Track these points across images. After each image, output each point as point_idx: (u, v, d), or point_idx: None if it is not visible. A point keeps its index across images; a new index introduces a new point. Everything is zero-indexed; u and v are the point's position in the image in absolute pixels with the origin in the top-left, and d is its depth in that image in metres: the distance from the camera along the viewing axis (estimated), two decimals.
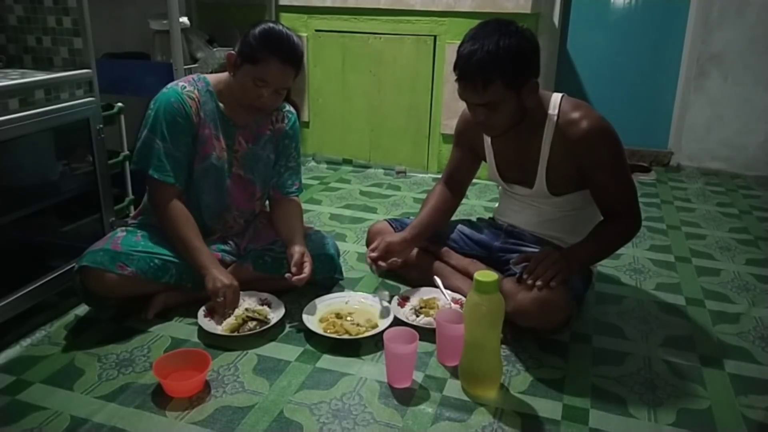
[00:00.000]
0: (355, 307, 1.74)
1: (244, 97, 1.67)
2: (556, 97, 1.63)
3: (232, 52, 1.65)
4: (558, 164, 1.63)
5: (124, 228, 1.76)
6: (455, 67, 1.52)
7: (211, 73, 1.78)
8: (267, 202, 1.97)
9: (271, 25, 1.65)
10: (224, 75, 1.72)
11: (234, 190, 1.81)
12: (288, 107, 1.87)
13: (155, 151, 1.65)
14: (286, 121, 1.85)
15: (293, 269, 1.67)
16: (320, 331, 1.59)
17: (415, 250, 1.89)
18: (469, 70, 1.48)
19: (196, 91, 1.70)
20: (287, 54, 1.62)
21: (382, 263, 1.75)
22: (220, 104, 1.73)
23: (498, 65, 1.46)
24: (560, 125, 1.59)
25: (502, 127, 1.58)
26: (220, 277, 1.62)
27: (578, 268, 1.62)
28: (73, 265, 1.64)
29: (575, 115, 1.58)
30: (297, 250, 1.70)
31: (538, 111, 1.61)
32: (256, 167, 1.82)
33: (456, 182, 1.91)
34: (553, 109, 1.61)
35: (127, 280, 1.63)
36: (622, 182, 1.62)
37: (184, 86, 1.69)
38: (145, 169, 1.67)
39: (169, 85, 1.71)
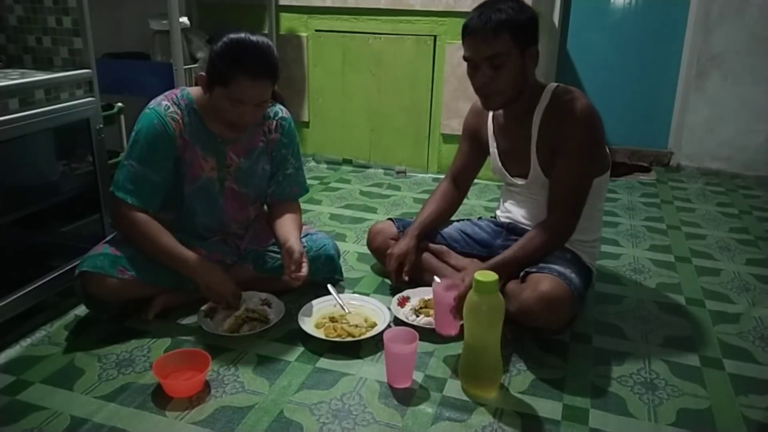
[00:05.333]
0: (349, 310, 1.71)
1: (224, 118, 1.61)
2: (551, 84, 1.68)
3: (203, 73, 1.58)
4: (544, 144, 1.66)
5: None
6: (463, 27, 1.58)
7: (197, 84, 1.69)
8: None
9: (233, 37, 1.54)
10: None
11: (229, 206, 1.77)
12: (281, 113, 1.80)
13: (130, 174, 1.59)
14: (280, 129, 1.79)
15: (291, 267, 1.63)
16: (322, 336, 1.58)
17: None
18: (481, 20, 1.54)
19: (179, 111, 1.63)
20: (256, 68, 1.53)
21: (406, 277, 1.83)
22: (206, 121, 1.66)
23: (508, 18, 1.53)
24: (549, 105, 1.64)
25: (504, 92, 1.60)
26: (219, 288, 1.63)
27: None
28: (73, 265, 1.64)
29: (566, 96, 1.63)
30: (296, 248, 1.65)
31: (533, 94, 1.65)
32: (250, 181, 1.77)
33: (462, 177, 1.96)
34: (546, 92, 1.66)
35: (128, 284, 1.63)
36: (577, 177, 1.60)
37: (168, 106, 1.63)
38: (114, 191, 1.61)
39: (152, 104, 1.64)
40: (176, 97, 1.66)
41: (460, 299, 1.45)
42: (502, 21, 1.53)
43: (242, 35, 1.55)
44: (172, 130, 1.62)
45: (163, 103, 1.64)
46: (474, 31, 1.56)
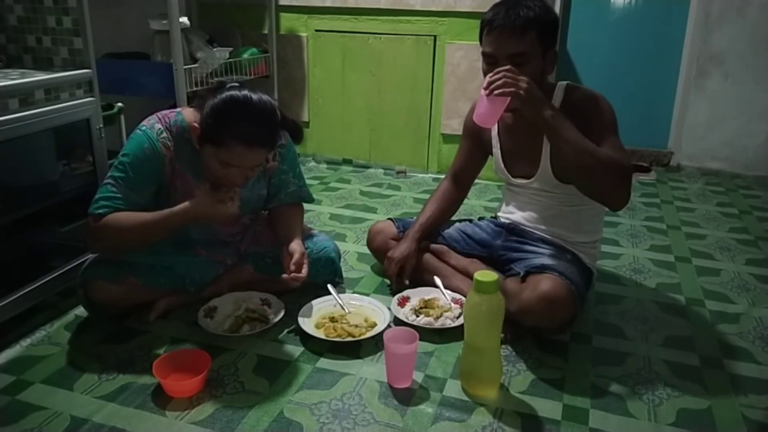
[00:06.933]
0: (349, 310, 1.71)
1: (213, 176, 1.52)
2: (561, 83, 1.69)
3: (196, 125, 1.48)
4: None
5: None
6: (487, 23, 1.56)
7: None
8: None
9: (234, 95, 1.44)
10: None
11: (223, 225, 1.75)
12: (280, 140, 1.68)
13: (109, 192, 1.52)
14: (278, 158, 1.73)
15: (292, 267, 1.61)
16: (322, 336, 1.58)
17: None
18: (509, 17, 1.52)
19: (170, 139, 1.56)
20: (253, 135, 1.43)
21: (406, 281, 1.84)
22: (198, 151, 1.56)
23: (536, 16, 1.52)
24: (566, 100, 1.64)
25: None
26: (207, 209, 1.49)
27: (544, 117, 1.48)
28: (73, 265, 1.63)
29: (579, 89, 1.66)
30: (297, 249, 1.64)
31: (546, 94, 1.62)
32: (245, 206, 1.71)
33: (462, 177, 1.96)
34: (559, 89, 1.67)
35: (130, 291, 1.63)
36: (613, 138, 1.57)
37: (161, 130, 1.56)
38: (90, 212, 1.52)
39: (145, 125, 1.57)
40: (169, 121, 1.58)
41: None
42: (531, 19, 1.51)
43: (244, 93, 1.45)
44: (162, 156, 1.55)
45: (156, 126, 1.57)
46: (500, 26, 1.53)
